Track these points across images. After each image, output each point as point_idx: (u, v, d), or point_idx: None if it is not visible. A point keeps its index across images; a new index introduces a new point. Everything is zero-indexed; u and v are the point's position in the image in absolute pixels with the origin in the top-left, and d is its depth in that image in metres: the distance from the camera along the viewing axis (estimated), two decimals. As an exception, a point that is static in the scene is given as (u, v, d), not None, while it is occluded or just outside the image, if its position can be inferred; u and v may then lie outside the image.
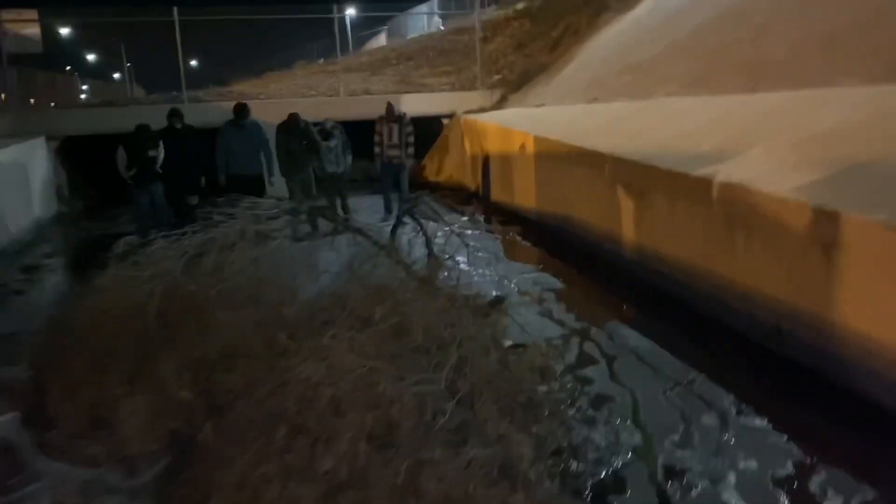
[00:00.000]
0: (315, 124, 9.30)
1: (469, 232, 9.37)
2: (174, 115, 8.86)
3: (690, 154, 5.83)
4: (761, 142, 5.24)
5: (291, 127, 8.94)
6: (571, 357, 4.58)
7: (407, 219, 5.06)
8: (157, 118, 9.35)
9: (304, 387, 2.52)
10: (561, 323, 5.33)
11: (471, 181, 12.99)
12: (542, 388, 3.85)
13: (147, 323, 3.23)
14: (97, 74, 45.21)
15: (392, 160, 9.89)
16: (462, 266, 6.22)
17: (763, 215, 4.41)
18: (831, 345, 3.93)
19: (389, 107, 9.97)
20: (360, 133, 10.97)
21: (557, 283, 6.51)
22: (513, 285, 6.52)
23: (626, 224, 6.52)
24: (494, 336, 4.26)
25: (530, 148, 9.33)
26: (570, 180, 7.91)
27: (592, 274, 6.79)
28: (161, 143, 8.40)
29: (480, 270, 6.78)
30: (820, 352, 4.03)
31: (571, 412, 3.71)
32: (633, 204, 6.38)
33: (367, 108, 13.39)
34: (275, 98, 15.15)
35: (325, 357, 2.63)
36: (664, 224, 5.84)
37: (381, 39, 35.18)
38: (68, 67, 40.62)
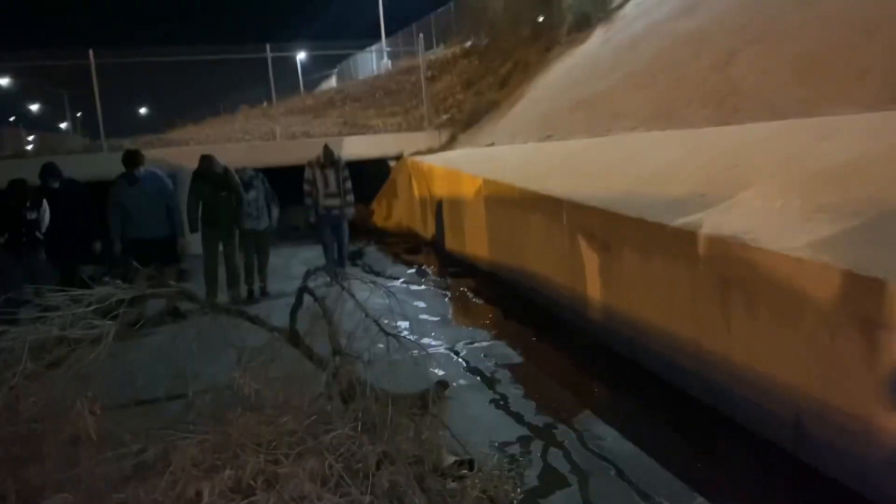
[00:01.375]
0: (263, 169, 8.11)
1: (414, 287, 8.31)
2: (48, 172, 7.05)
3: (663, 199, 4.87)
4: (751, 183, 4.29)
5: (206, 173, 7.40)
6: (532, 475, 3.46)
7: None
8: (73, 168, 8.27)
9: None
10: (518, 417, 4.22)
11: (420, 227, 12.02)
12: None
13: None
14: (40, 125, 43.44)
15: (331, 210, 8.57)
16: (402, 334, 5.13)
17: (770, 279, 3.41)
18: (873, 455, 2.91)
19: (326, 150, 8.59)
20: (297, 179, 9.93)
21: (514, 356, 5.44)
22: (460, 359, 5.43)
23: (591, 281, 5.51)
24: (432, 453, 3.17)
25: (480, 192, 8.36)
26: (525, 228, 6.91)
27: (554, 340, 5.74)
28: (45, 203, 6.83)
29: (424, 340, 5.70)
30: (857, 462, 3.00)
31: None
32: (598, 258, 5.37)
33: (307, 151, 12.34)
34: (206, 144, 14.02)
35: None
36: (637, 283, 4.83)
37: (332, 82, 34.40)
38: (12, 118, 38.90)
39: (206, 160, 7.52)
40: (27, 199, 6.67)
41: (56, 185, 7.07)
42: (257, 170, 8.22)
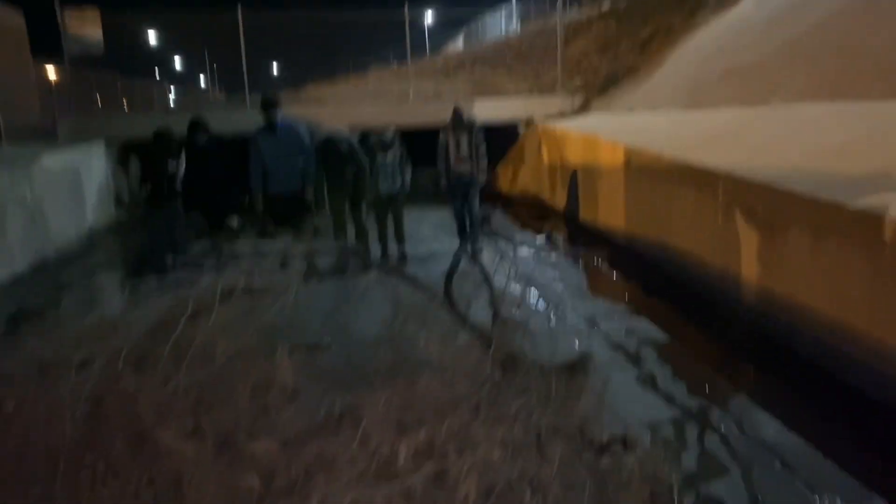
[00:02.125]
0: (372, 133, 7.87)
1: (545, 256, 8.17)
2: (196, 127, 7.11)
3: (840, 177, 4.51)
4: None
5: (331, 150, 7.14)
6: (690, 460, 3.33)
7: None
8: (217, 120, 8.49)
9: None
10: (669, 398, 4.07)
11: (548, 194, 11.81)
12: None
13: (63, 441, 2.22)
14: (179, 79, 45.79)
15: (462, 177, 8.16)
16: (534, 304, 5.05)
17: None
18: None
19: (456, 112, 8.21)
20: (428, 140, 9.94)
21: (658, 334, 5.24)
22: (600, 333, 5.28)
23: (748, 261, 5.20)
24: (581, 426, 3.09)
25: (620, 160, 8.07)
26: (671, 201, 6.61)
27: (700, 320, 5.49)
28: (182, 154, 6.83)
29: (559, 312, 5.57)
30: None
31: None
32: (758, 237, 5.05)
33: (438, 113, 12.38)
34: (343, 103, 14.36)
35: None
36: (804, 267, 4.50)
37: (458, 44, 34.23)
38: (157, 72, 41.34)
39: (329, 139, 7.28)
40: (172, 152, 6.72)
41: (203, 139, 7.16)
42: (396, 131, 8.06)
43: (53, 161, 9.57)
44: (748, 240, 5.17)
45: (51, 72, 18.17)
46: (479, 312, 3.49)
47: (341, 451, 2.10)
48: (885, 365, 3.73)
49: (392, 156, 7.75)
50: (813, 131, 5.64)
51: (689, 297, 5.97)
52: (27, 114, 16.53)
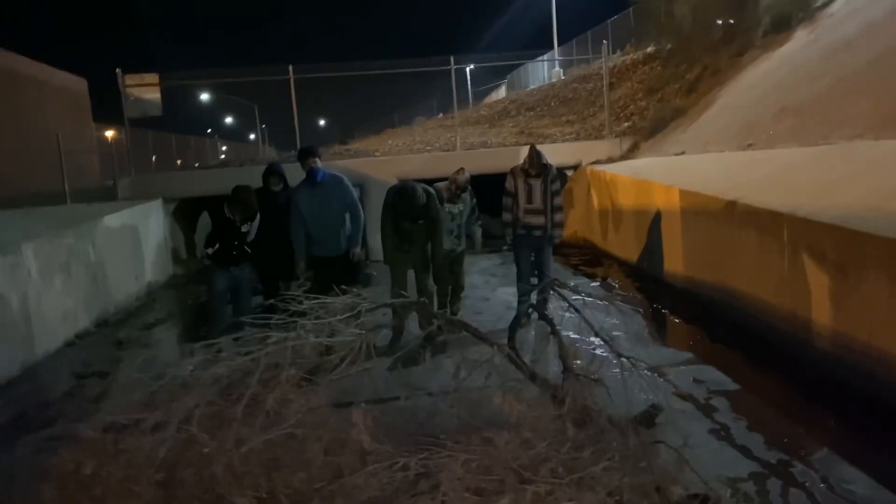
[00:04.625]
0: (443, 179, 6.77)
1: (602, 302, 7.98)
2: (273, 173, 6.38)
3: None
4: None
5: (406, 204, 5.96)
6: (777, 518, 3.14)
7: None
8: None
9: None
10: (746, 451, 3.87)
11: (599, 239, 11.69)
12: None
13: (140, 505, 2.18)
14: (231, 136, 47.33)
15: (532, 231, 6.72)
16: (599, 353, 4.89)
17: None
18: None
19: (534, 153, 6.66)
20: (477, 189, 9.88)
21: (728, 382, 5.04)
22: (667, 382, 5.09)
23: (819, 305, 5.00)
24: (659, 481, 2.94)
25: (675, 203, 7.94)
26: (732, 244, 6.44)
27: (770, 367, 5.27)
28: (258, 216, 6.08)
29: (625, 361, 5.41)
30: None
31: None
32: (829, 280, 4.86)
33: (485, 161, 12.44)
34: (390, 154, 14.54)
35: None
36: (882, 311, 4.30)
37: (501, 92, 34.71)
38: (209, 130, 42.94)
39: (406, 189, 6.08)
40: (252, 211, 6.02)
41: (278, 188, 6.46)
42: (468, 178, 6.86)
43: (114, 220, 9.87)
44: (818, 283, 4.98)
45: (110, 133, 18.96)
46: (547, 365, 3.39)
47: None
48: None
49: (461, 206, 6.73)
50: (882, 170, 5.45)
51: (755, 343, 5.76)
52: (88, 173, 17.21)
